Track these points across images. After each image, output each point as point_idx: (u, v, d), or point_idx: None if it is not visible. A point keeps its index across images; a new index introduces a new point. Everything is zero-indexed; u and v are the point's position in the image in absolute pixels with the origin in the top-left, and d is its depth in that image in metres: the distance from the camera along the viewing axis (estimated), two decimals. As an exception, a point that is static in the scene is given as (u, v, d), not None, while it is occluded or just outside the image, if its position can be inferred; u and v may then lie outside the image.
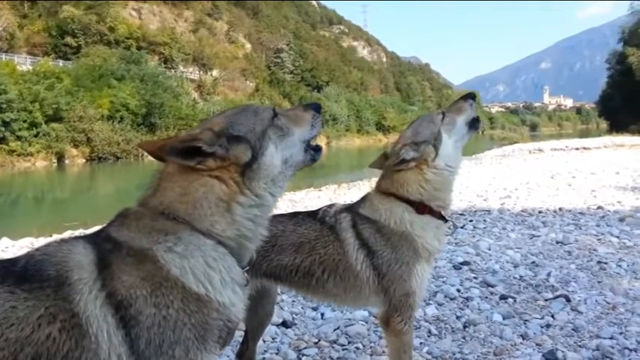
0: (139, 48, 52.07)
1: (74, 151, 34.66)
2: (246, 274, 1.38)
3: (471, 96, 2.32)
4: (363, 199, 2.22)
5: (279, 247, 2.12)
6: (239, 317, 1.34)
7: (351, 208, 2.20)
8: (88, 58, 44.30)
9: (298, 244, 2.12)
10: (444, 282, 3.89)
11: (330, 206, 2.26)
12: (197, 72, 62.25)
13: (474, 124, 2.24)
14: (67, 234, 7.42)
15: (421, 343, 2.86)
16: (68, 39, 48.64)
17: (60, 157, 33.52)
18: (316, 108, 1.58)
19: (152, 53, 56.13)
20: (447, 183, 2.11)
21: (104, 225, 1.34)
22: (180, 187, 1.30)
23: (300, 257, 2.11)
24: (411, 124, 2.24)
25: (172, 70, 55.85)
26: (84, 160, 34.64)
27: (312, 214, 2.24)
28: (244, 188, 1.32)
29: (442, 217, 2.10)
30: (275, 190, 1.39)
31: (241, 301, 1.34)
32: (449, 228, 2.14)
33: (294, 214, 2.32)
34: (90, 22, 49.31)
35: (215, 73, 64.35)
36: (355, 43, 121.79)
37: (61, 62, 44.37)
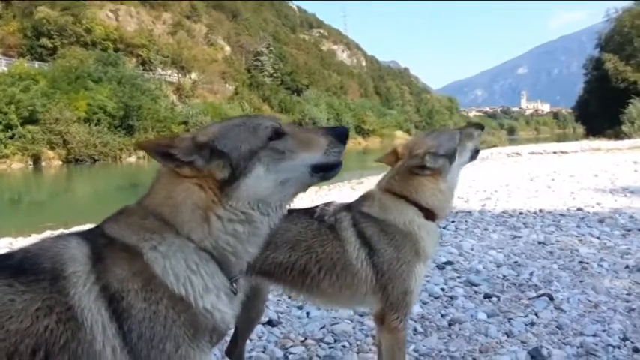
0: (116, 50, 51.35)
1: (50, 154, 34.03)
2: (235, 285, 1.35)
3: (480, 127, 2.42)
4: (367, 197, 2.23)
5: (273, 244, 2.10)
6: (227, 324, 1.33)
7: (351, 207, 2.21)
8: (65, 59, 43.53)
9: (294, 241, 2.12)
10: (428, 281, 3.91)
11: (328, 204, 2.26)
12: (176, 74, 61.65)
13: (474, 154, 2.34)
14: (47, 234, 7.24)
15: (407, 341, 2.85)
16: (44, 40, 47.65)
17: (36, 159, 32.88)
18: (339, 135, 1.43)
19: (130, 55, 55.40)
20: (451, 197, 2.21)
21: (100, 222, 1.35)
22: (167, 190, 1.31)
23: (296, 255, 2.11)
24: (432, 134, 2.29)
25: (150, 73, 55.23)
26: (60, 163, 34.01)
27: (308, 212, 2.24)
28: (225, 202, 1.28)
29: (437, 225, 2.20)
30: (268, 209, 1.33)
31: (229, 308, 1.32)
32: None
33: (289, 212, 2.30)
34: (66, 24, 48.41)
35: (194, 75, 63.85)
36: (335, 47, 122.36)
37: (36, 64, 43.55)
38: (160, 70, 59.10)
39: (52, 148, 34.05)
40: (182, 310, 1.23)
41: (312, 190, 11.58)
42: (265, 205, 1.31)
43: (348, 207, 2.21)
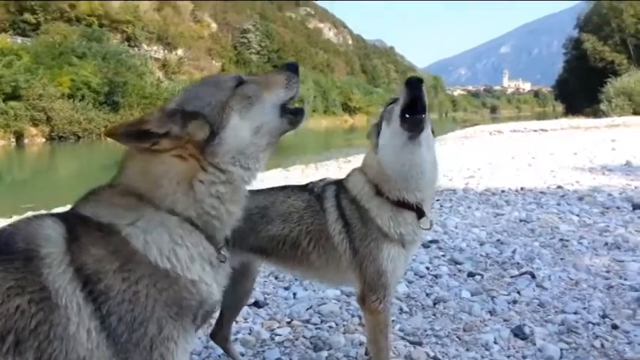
0: (100, 26, 49.90)
1: (33, 130, 33.20)
2: (223, 252, 1.32)
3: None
4: (351, 172, 2.22)
5: (268, 218, 2.10)
6: (214, 297, 1.27)
7: (337, 181, 2.21)
8: (48, 35, 42.26)
9: (287, 213, 2.11)
10: (413, 260, 3.87)
11: (321, 180, 2.26)
12: (161, 51, 60.32)
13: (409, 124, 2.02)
14: (28, 215, 7.06)
15: (393, 321, 2.82)
16: (27, 15, 46.05)
17: (19, 136, 32.08)
18: (292, 68, 1.44)
19: (115, 31, 53.93)
20: (389, 172, 1.99)
21: (75, 202, 1.30)
22: (141, 167, 1.26)
23: (289, 227, 2.09)
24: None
25: (136, 49, 53.89)
26: (44, 140, 33.24)
27: (302, 186, 2.25)
28: (206, 165, 1.25)
29: (403, 205, 2.00)
30: (248, 162, 1.30)
31: (214, 280, 1.27)
32: (424, 222, 2.02)
33: (285, 187, 2.31)
34: (49, -1, 46.76)
35: (180, 52, 62.57)
36: (321, 25, 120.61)
37: (19, 39, 42.13)
38: (145, 46, 57.79)
39: (35, 125, 33.21)
40: (165, 287, 1.17)
41: (299, 169, 11.51)
42: (245, 157, 1.29)
43: (336, 181, 2.21)
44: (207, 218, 1.27)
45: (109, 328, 1.11)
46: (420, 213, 2.01)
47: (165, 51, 60.79)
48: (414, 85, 1.85)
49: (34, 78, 33.46)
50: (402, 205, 1.99)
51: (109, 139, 1.32)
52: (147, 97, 40.93)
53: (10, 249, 1.12)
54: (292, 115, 1.40)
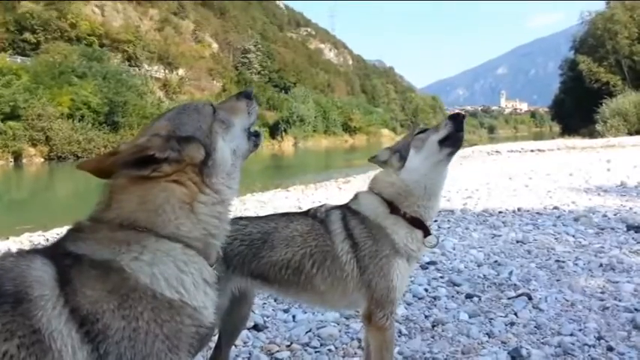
0: (101, 45, 50.57)
1: (32, 150, 33.31)
2: (215, 271, 1.36)
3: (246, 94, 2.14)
4: (355, 196, 2.31)
5: (270, 243, 2.14)
6: (211, 320, 1.29)
7: (341, 205, 2.29)
8: (48, 54, 42.68)
9: (290, 237, 2.15)
10: (412, 282, 3.92)
11: (321, 206, 2.33)
12: (162, 71, 60.90)
13: (447, 143, 2.21)
14: (25, 237, 7.07)
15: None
16: (27, 35, 46.64)
17: (17, 156, 32.17)
18: (248, 95, 1.58)
19: (115, 51, 54.54)
20: (414, 190, 2.14)
21: (58, 239, 1.27)
22: (139, 197, 1.25)
23: (292, 251, 2.12)
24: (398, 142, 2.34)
25: (136, 69, 54.42)
26: (42, 160, 33.27)
27: (304, 213, 2.33)
28: (204, 187, 1.31)
29: (415, 223, 2.13)
30: (231, 182, 1.39)
31: (213, 303, 1.30)
32: (431, 239, 2.16)
33: (286, 213, 2.40)
34: (50, 18, 47.45)
35: (181, 72, 63.18)
36: (322, 46, 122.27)
37: (19, 58, 42.53)
38: (146, 66, 58.35)
39: (34, 145, 33.34)
40: (167, 319, 1.17)
41: (298, 189, 11.53)
42: (229, 177, 1.38)
43: (339, 206, 2.29)
44: (208, 239, 1.31)
45: None
46: (426, 231, 2.15)
47: (166, 71, 61.41)
48: (459, 120, 2.14)
49: (33, 98, 33.67)
50: (414, 222, 2.13)
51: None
52: (147, 117, 41.11)
53: None
54: (255, 137, 1.53)
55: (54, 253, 1.20)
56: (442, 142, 2.11)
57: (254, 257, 2.11)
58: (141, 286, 1.17)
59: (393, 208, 2.13)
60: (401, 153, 2.18)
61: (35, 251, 1.23)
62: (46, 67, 38.79)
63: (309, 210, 2.32)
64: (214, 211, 1.32)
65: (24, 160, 32.25)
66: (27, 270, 1.13)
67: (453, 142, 2.11)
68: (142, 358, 1.13)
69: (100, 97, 38.56)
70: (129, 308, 1.13)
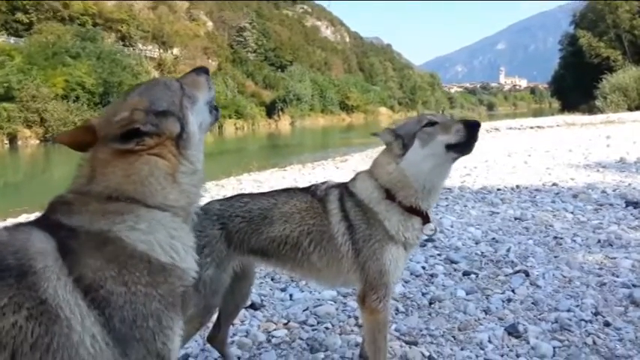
0: (94, 25, 49.66)
1: (27, 132, 33.07)
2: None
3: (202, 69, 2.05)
4: (355, 176, 2.28)
5: (269, 219, 2.14)
6: (192, 280, 1.38)
7: (340, 184, 2.27)
8: (41, 35, 41.96)
9: (289, 214, 2.14)
10: (410, 260, 3.91)
11: (323, 183, 2.30)
12: (157, 50, 60.11)
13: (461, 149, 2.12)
14: (23, 218, 7.05)
15: (389, 321, 2.86)
16: (19, 15, 45.70)
17: (12, 138, 31.94)
18: (206, 71, 1.65)
19: (109, 30, 53.68)
20: (412, 183, 2.07)
21: (44, 213, 1.31)
22: (123, 170, 1.31)
23: (290, 228, 2.12)
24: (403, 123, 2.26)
25: (131, 48, 53.70)
26: (38, 142, 33.06)
27: (304, 189, 2.30)
28: (182, 159, 1.38)
29: (414, 211, 2.08)
30: (200, 155, 1.45)
31: (196, 264, 1.40)
32: (430, 229, 2.12)
33: (287, 189, 2.38)
34: (42, -2, 46.47)
35: (176, 51, 62.39)
36: (318, 23, 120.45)
37: (12, 39, 41.86)
38: (140, 45, 57.55)
39: (29, 127, 33.07)
40: (161, 281, 1.25)
41: (295, 169, 11.48)
42: (198, 151, 1.44)
43: (339, 184, 2.27)
44: (190, 207, 1.40)
45: (112, 329, 1.17)
46: (426, 219, 2.11)
47: (161, 50, 60.63)
48: (475, 130, 2.04)
49: (27, 79, 33.29)
50: (412, 210, 2.08)
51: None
52: (142, 97, 40.79)
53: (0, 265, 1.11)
54: (216, 111, 1.58)
55: (48, 225, 1.24)
56: (451, 147, 2.02)
57: (254, 233, 2.12)
58: (138, 253, 1.24)
59: (389, 195, 2.09)
60: (404, 141, 2.09)
61: (29, 224, 1.26)
62: (39, 48, 38.25)
63: (310, 186, 2.30)
64: (193, 180, 1.40)
65: (19, 142, 32.04)
66: (27, 243, 1.17)
67: (462, 149, 2.03)
68: (142, 318, 1.21)
69: (94, 77, 38.13)
70: (128, 274, 1.21)
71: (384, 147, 2.20)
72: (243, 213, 2.14)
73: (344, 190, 2.19)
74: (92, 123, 1.37)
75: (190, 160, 1.40)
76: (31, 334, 1.08)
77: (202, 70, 1.63)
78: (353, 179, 2.24)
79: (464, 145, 2.02)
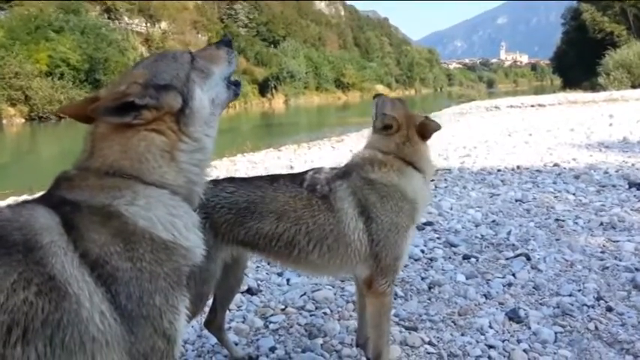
0: (78, -4, 48.53)
1: (11, 110, 32.69)
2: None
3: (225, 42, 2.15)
4: (365, 160, 2.16)
5: (258, 214, 2.03)
6: (200, 259, 1.39)
7: (345, 173, 2.14)
8: (23, 7, 41.01)
9: (281, 211, 2.04)
10: (408, 243, 3.94)
11: (318, 171, 2.18)
12: (144, 24, 59.05)
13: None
14: (11, 200, 6.99)
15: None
16: (-2, -14, 44.60)
17: (-4, 116, 31.52)
18: (228, 43, 1.61)
19: (93, 3, 52.54)
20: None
21: (48, 190, 1.32)
22: (120, 145, 1.31)
23: (283, 226, 2.03)
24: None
25: (116, 22, 52.71)
26: (23, 120, 32.68)
27: (295, 180, 2.15)
28: (182, 135, 1.36)
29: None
30: (210, 131, 1.43)
31: (202, 243, 1.39)
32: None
33: (274, 179, 2.20)
34: (22, -32, 45.27)
35: (164, 25, 61.34)
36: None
37: (-9, 12, 40.93)
38: (126, 19, 56.52)
39: (13, 105, 32.67)
40: (165, 259, 1.26)
41: (290, 149, 11.40)
42: (208, 126, 1.42)
43: (344, 174, 2.13)
44: (190, 186, 1.38)
45: (119, 306, 1.18)
46: None
47: (148, 24, 59.58)
48: None
49: (9, 55, 32.76)
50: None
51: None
52: (130, 74, 40.21)
53: (5, 242, 1.11)
54: (235, 86, 1.55)
55: (51, 201, 1.25)
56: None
57: (241, 226, 2.04)
58: (139, 229, 1.24)
59: (415, 168, 2.13)
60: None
61: (32, 201, 1.28)
62: (21, 22, 37.54)
63: (302, 176, 2.16)
64: (194, 159, 1.38)
65: (4, 121, 31.65)
66: (32, 218, 1.18)
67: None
68: (149, 295, 1.21)
69: (79, 53, 37.53)
70: (132, 250, 1.22)
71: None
72: (230, 204, 2.03)
73: (358, 180, 2.09)
74: (99, 95, 1.37)
75: (193, 138, 1.38)
76: (42, 310, 1.08)
77: (223, 43, 1.60)
78: (363, 165, 2.13)
79: None
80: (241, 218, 2.03)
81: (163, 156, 1.33)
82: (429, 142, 2.22)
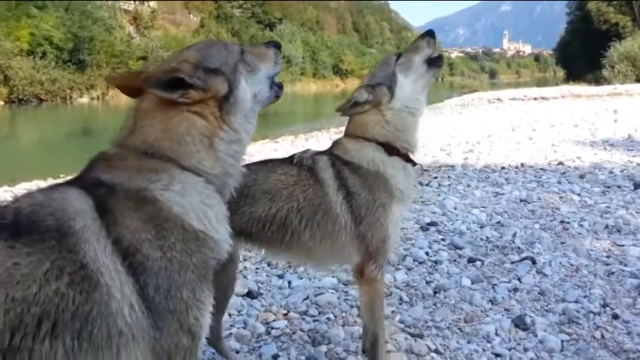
0: (62, -29, 47.76)
1: (-10, 92, 32.24)
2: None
3: (429, 34, 2.40)
4: (335, 143, 2.31)
5: (251, 198, 2.08)
6: (226, 254, 1.40)
7: (325, 151, 2.27)
8: (2, -19, 40.31)
9: (275, 190, 2.11)
10: (412, 244, 3.99)
11: (305, 152, 2.29)
12: (132, 2, 58.25)
13: (434, 61, 2.32)
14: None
15: (393, 312, 2.93)
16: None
17: (-27, 98, 31.13)
18: (277, 45, 1.69)
19: (78, -22, 51.72)
20: (408, 124, 2.21)
21: (84, 169, 1.32)
22: (161, 124, 1.33)
23: (277, 206, 2.09)
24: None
25: None
26: (2, 103, 32.28)
27: (285, 160, 2.27)
28: (222, 123, 1.38)
29: (409, 160, 2.22)
30: (248, 126, 1.46)
31: (230, 237, 1.41)
32: (418, 171, 2.28)
33: (265, 161, 2.32)
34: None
35: (153, 4, 60.55)
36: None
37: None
38: (113, -4, 55.68)
39: (-9, 86, 32.25)
40: (195, 250, 1.25)
41: (287, 140, 11.39)
42: (247, 120, 1.45)
43: (323, 151, 2.28)
44: (225, 178, 1.40)
45: (147, 299, 1.16)
46: (413, 163, 2.24)
47: (137, 3, 58.80)
48: (433, 35, 2.36)
49: (-12, 32, 32.29)
50: (407, 159, 2.20)
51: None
52: (117, 55, 39.86)
53: (39, 227, 1.09)
54: (278, 88, 1.62)
55: (85, 183, 1.24)
56: (430, 62, 2.27)
57: (234, 214, 2.00)
58: (172, 216, 1.24)
59: (390, 149, 2.16)
60: (385, 84, 2.19)
61: (64, 184, 1.27)
62: (0, -4, 36.92)
63: (292, 156, 2.26)
64: (231, 149, 1.40)
65: (-18, 103, 31.32)
66: (64, 202, 1.16)
67: (437, 60, 2.30)
68: (177, 287, 1.20)
69: (62, 31, 37.02)
70: (163, 238, 1.20)
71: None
72: None
73: (334, 159, 2.18)
74: (148, 70, 1.42)
75: (233, 128, 1.40)
76: (72, 302, 1.06)
77: (273, 44, 1.67)
78: (338, 147, 2.25)
79: (437, 58, 2.31)
80: (234, 205, 2.02)
81: (202, 141, 1.34)
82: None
